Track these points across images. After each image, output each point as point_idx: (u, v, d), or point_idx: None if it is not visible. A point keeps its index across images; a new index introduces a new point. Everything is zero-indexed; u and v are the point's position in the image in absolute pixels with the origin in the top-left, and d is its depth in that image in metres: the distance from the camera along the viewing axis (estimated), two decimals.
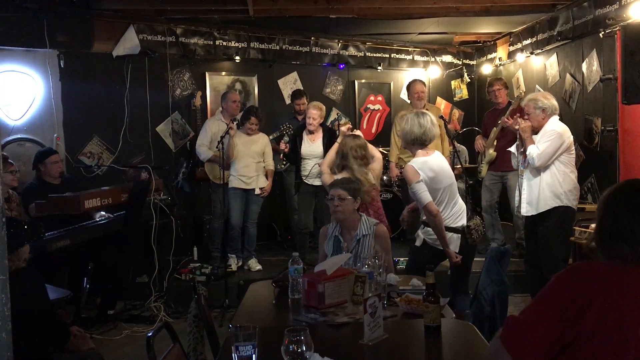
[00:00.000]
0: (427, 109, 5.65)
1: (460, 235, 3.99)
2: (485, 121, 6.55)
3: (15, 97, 6.17)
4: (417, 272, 3.65)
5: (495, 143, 6.13)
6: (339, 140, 4.92)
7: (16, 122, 6.18)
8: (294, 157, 6.11)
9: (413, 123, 3.97)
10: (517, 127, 4.68)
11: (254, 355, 2.01)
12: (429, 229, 4.01)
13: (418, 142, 3.99)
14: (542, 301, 1.79)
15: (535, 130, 4.59)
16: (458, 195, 4.09)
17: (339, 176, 4.45)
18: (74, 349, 3.11)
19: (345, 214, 3.67)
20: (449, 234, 3.97)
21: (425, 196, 3.84)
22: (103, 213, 5.34)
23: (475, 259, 4.29)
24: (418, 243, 4.09)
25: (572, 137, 4.59)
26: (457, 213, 4.02)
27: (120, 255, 5.28)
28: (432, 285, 2.52)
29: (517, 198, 4.89)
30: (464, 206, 4.11)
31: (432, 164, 3.94)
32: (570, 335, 1.70)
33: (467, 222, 4.03)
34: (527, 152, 4.52)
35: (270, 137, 6.41)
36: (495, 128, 6.10)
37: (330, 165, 4.78)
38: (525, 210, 4.72)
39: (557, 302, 1.73)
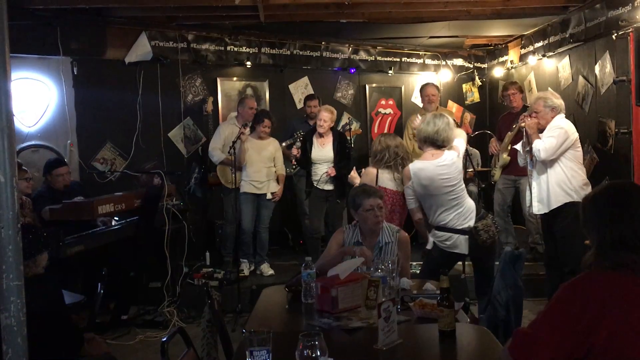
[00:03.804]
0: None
1: (468, 237, 3.98)
2: (499, 125, 6.50)
3: (29, 104, 6.22)
4: (430, 276, 3.63)
5: (509, 147, 6.08)
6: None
7: (30, 129, 6.24)
8: (305, 161, 6.11)
9: (428, 122, 4.04)
10: (522, 124, 4.69)
11: None
12: (438, 232, 4.04)
13: (429, 141, 4.03)
14: (551, 314, 1.72)
15: (541, 128, 4.61)
16: (465, 196, 4.08)
17: (385, 173, 4.47)
18: (87, 355, 3.12)
19: (383, 221, 3.64)
20: (455, 236, 3.98)
21: (410, 202, 4.22)
22: (116, 218, 5.37)
23: None
24: (429, 246, 4.11)
25: (577, 134, 4.63)
26: (463, 215, 4.01)
27: (134, 261, 5.31)
28: (446, 289, 2.51)
29: (527, 198, 4.87)
30: (473, 206, 4.08)
31: (429, 172, 3.97)
32: (582, 349, 1.64)
33: (476, 222, 4.01)
34: (533, 146, 4.55)
35: (283, 143, 6.40)
36: (510, 132, 6.05)
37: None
38: (537, 208, 4.70)
39: (567, 315, 1.67)
